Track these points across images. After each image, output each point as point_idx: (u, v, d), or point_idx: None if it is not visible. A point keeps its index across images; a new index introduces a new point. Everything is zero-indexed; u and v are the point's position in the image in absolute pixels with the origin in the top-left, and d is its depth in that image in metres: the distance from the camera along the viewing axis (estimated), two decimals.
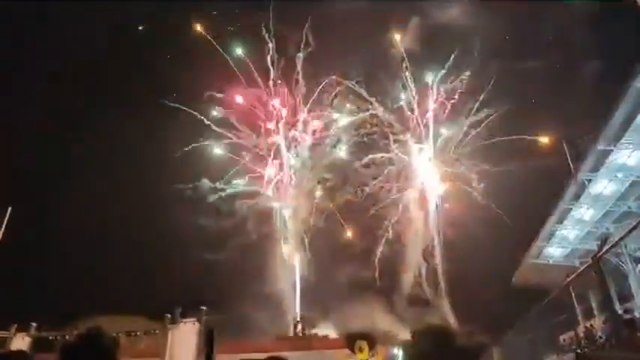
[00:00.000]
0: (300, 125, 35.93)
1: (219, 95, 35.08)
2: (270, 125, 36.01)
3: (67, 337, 17.34)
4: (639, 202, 22.08)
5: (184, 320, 20.96)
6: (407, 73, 34.35)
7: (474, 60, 32.72)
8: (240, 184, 35.22)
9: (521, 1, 30.28)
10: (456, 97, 33.76)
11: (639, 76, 17.45)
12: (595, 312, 19.81)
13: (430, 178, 34.62)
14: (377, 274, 33.06)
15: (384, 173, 34.66)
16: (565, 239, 26.00)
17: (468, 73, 33.20)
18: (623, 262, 21.20)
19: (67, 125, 32.67)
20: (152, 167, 32.60)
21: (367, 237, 34.17)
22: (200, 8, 34.28)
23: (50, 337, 20.86)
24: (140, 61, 33.06)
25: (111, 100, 33.43)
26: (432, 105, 34.55)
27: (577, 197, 23.11)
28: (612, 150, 20.07)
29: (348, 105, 35.43)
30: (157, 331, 21.33)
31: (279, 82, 35.50)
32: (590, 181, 21.88)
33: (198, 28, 34.96)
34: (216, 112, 35.04)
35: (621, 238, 16.00)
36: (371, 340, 13.79)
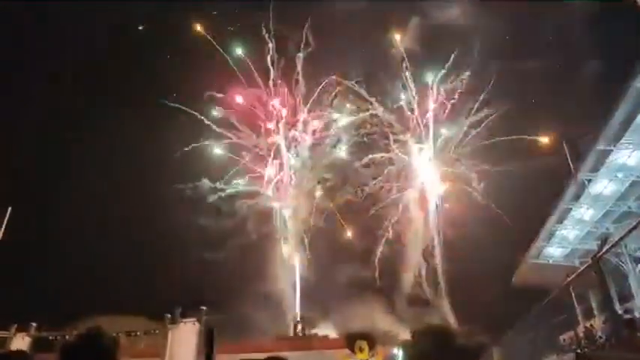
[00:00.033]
0: (300, 125, 35.98)
1: (220, 95, 35.14)
2: (270, 125, 36.07)
3: (67, 337, 17.34)
4: (639, 202, 22.08)
5: (184, 320, 20.97)
6: (407, 73, 34.40)
7: (473, 60, 32.79)
8: (240, 184, 35.23)
9: (521, 1, 30.28)
10: (456, 97, 33.80)
11: (639, 76, 17.45)
12: (595, 312, 19.83)
13: (430, 178, 34.61)
14: (377, 274, 33.12)
15: (384, 173, 34.70)
16: (565, 239, 26.00)
17: (467, 73, 33.25)
18: (623, 262, 21.21)
19: (67, 125, 32.69)
20: (152, 167, 32.63)
21: (367, 237, 34.23)
22: (200, 8, 34.30)
23: (50, 337, 20.87)
24: (140, 61, 33.08)
25: (111, 100, 33.44)
26: (432, 105, 34.58)
27: (577, 197, 23.11)
28: (612, 150, 20.06)
29: (348, 105, 35.47)
30: (157, 331, 21.34)
31: (279, 82, 35.57)
32: (590, 181, 21.87)
33: (198, 28, 35.00)
34: (216, 113, 35.07)
35: (621, 238, 16.01)
36: (371, 340, 13.78)
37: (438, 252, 33.39)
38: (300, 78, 35.18)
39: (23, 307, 24.05)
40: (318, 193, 35.62)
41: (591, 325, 18.62)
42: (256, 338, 25.45)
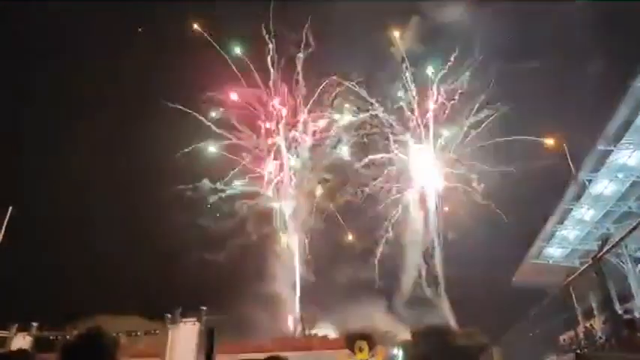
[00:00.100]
0: (300, 126, 35.98)
1: (220, 96, 35.14)
2: (270, 125, 36.06)
3: (67, 336, 17.36)
4: (639, 203, 22.08)
5: (184, 320, 21.01)
6: (407, 74, 34.41)
7: (474, 60, 32.80)
8: (240, 184, 35.22)
9: (521, 1, 30.27)
10: (456, 97, 33.81)
11: (639, 76, 17.44)
12: (595, 312, 19.80)
13: (430, 178, 34.61)
14: (377, 275, 33.12)
15: (384, 174, 34.72)
16: (565, 239, 25.98)
17: (468, 73, 33.26)
18: (623, 263, 21.20)
19: (67, 125, 32.72)
20: (152, 168, 32.63)
21: (367, 237, 34.24)
22: (200, 8, 34.29)
23: (51, 337, 20.92)
24: (140, 62, 33.07)
25: (111, 100, 33.47)
26: (432, 105, 34.58)
27: (577, 197, 23.07)
28: (612, 150, 20.04)
29: (348, 105, 35.47)
30: (157, 331, 21.38)
31: (280, 82, 35.56)
32: (590, 181, 21.85)
33: (199, 28, 34.97)
34: (215, 113, 35.06)
35: (622, 239, 15.98)
36: (371, 340, 13.75)
37: (437, 252, 33.44)
38: (301, 78, 35.27)
39: (24, 306, 24.08)
40: (319, 193, 35.68)
41: (591, 325, 18.61)
42: (256, 338, 25.47)
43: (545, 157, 29.11)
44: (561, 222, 24.62)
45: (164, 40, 34.01)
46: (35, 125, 32.37)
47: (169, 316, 21.33)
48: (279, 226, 34.97)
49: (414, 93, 34.59)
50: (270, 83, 35.43)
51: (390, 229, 33.96)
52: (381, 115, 34.79)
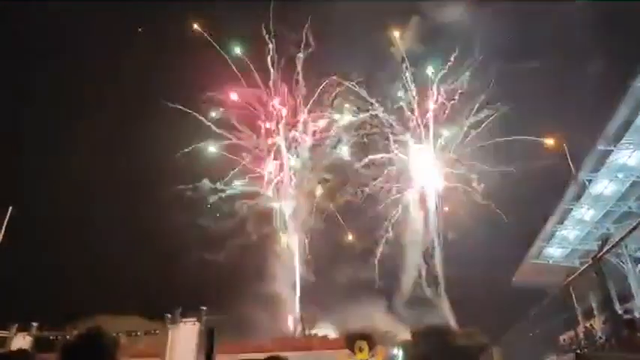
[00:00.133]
0: (300, 126, 35.99)
1: (220, 96, 35.15)
2: (270, 125, 36.07)
3: (67, 336, 17.36)
4: (639, 203, 22.08)
5: (184, 320, 21.01)
6: (407, 74, 34.42)
7: (474, 60, 32.81)
8: (240, 184, 35.23)
9: (521, 1, 30.27)
10: (456, 97, 33.81)
11: (639, 76, 17.44)
12: (595, 312, 19.80)
13: (430, 178, 34.61)
14: (377, 275, 33.12)
15: (384, 174, 34.72)
16: (565, 239, 25.98)
17: (468, 73, 33.26)
18: (623, 263, 21.20)
19: (66, 125, 32.72)
20: (152, 168, 32.63)
21: (367, 237, 34.25)
22: (200, 8, 34.31)
23: (51, 337, 20.93)
24: (140, 62, 33.08)
25: (111, 100, 33.46)
26: (432, 105, 34.59)
27: (577, 197, 23.07)
28: (612, 150, 20.04)
29: (348, 105, 35.48)
30: (157, 331, 21.39)
31: (280, 82, 35.57)
32: (590, 181, 21.85)
33: (198, 28, 34.99)
34: (215, 113, 35.07)
35: (622, 239, 15.98)
36: (371, 340, 13.75)
37: (437, 252, 33.45)
38: (301, 78, 35.28)
39: (24, 306, 24.08)
40: (319, 193, 35.68)
41: (591, 326, 18.61)
42: (256, 338, 25.47)
43: (545, 157, 29.14)
44: (561, 222, 24.62)
45: (164, 40, 34.04)
46: (35, 125, 32.38)
47: (169, 316, 21.34)
48: (279, 226, 35.03)
49: (414, 93, 34.64)
50: (270, 83, 35.50)
51: (390, 229, 34.02)
52: (381, 115, 34.83)
